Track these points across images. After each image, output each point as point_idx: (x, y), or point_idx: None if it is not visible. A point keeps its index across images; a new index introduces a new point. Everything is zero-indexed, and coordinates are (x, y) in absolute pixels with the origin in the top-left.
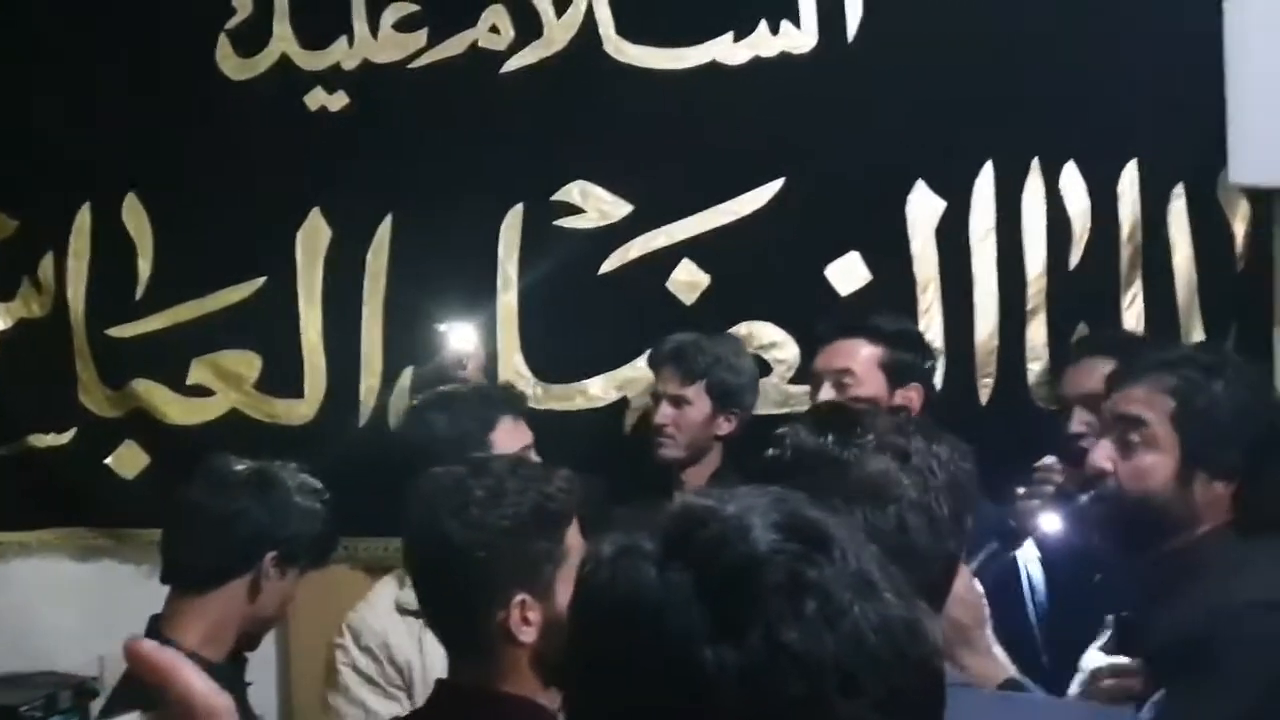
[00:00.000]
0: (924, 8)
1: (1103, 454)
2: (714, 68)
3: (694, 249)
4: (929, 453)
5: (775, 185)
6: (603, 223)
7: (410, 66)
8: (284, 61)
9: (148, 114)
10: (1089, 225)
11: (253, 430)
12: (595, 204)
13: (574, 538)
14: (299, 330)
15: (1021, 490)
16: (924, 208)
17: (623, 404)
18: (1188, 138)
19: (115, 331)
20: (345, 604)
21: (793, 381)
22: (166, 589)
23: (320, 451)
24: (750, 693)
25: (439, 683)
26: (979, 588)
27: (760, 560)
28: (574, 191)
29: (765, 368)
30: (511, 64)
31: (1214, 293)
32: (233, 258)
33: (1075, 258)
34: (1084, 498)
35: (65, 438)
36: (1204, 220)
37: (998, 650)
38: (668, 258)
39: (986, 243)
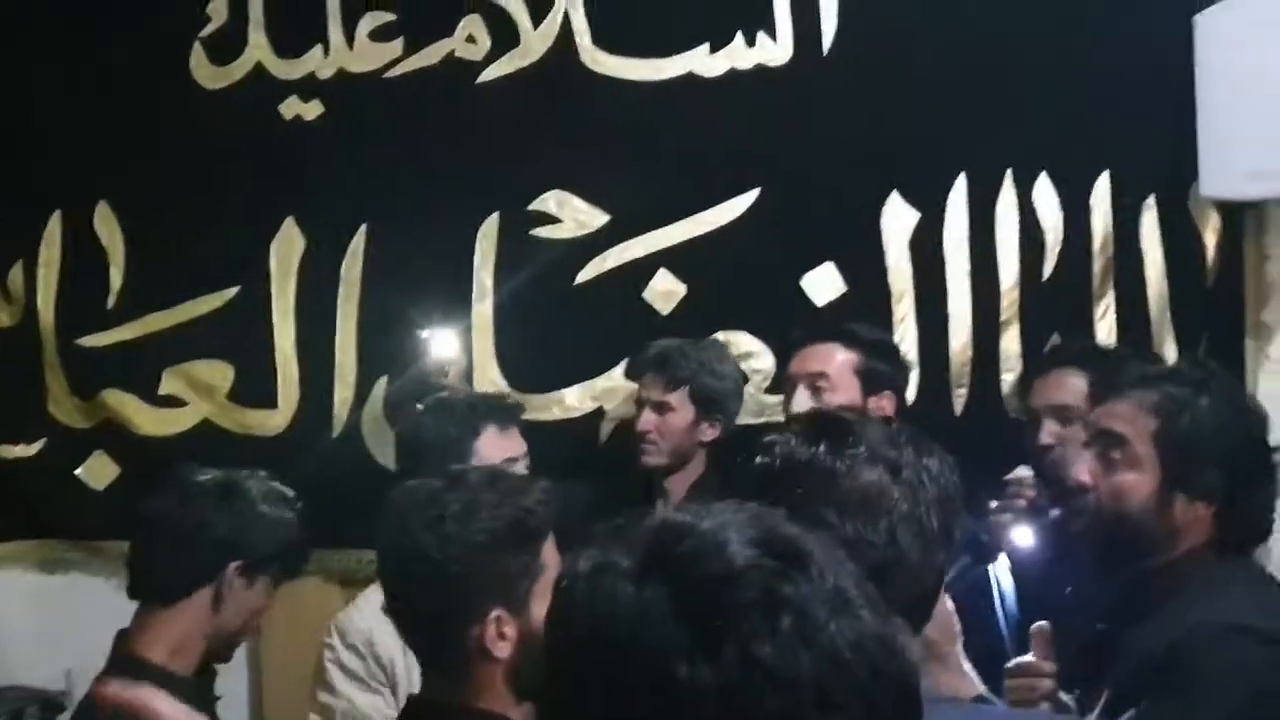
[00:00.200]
0: (898, 21)
1: (1083, 469)
2: (690, 79)
3: (670, 259)
4: (920, 465)
5: (751, 196)
6: (579, 232)
7: (386, 76)
8: (259, 70)
9: (120, 122)
10: (1062, 237)
11: (225, 441)
12: (571, 214)
13: (550, 552)
14: (272, 340)
15: (994, 504)
16: (898, 219)
17: (599, 414)
18: (1159, 151)
19: (86, 341)
20: (318, 616)
21: (769, 391)
22: (136, 603)
23: (293, 462)
24: (726, 710)
25: (410, 699)
26: (950, 604)
27: (736, 576)
28: (550, 201)
29: (741, 377)
30: (488, 74)
31: (1185, 304)
32: (206, 267)
33: (1048, 269)
34: (1055, 512)
35: (34, 449)
36: (1176, 232)
37: (968, 667)
38: (644, 268)
39: (960, 254)
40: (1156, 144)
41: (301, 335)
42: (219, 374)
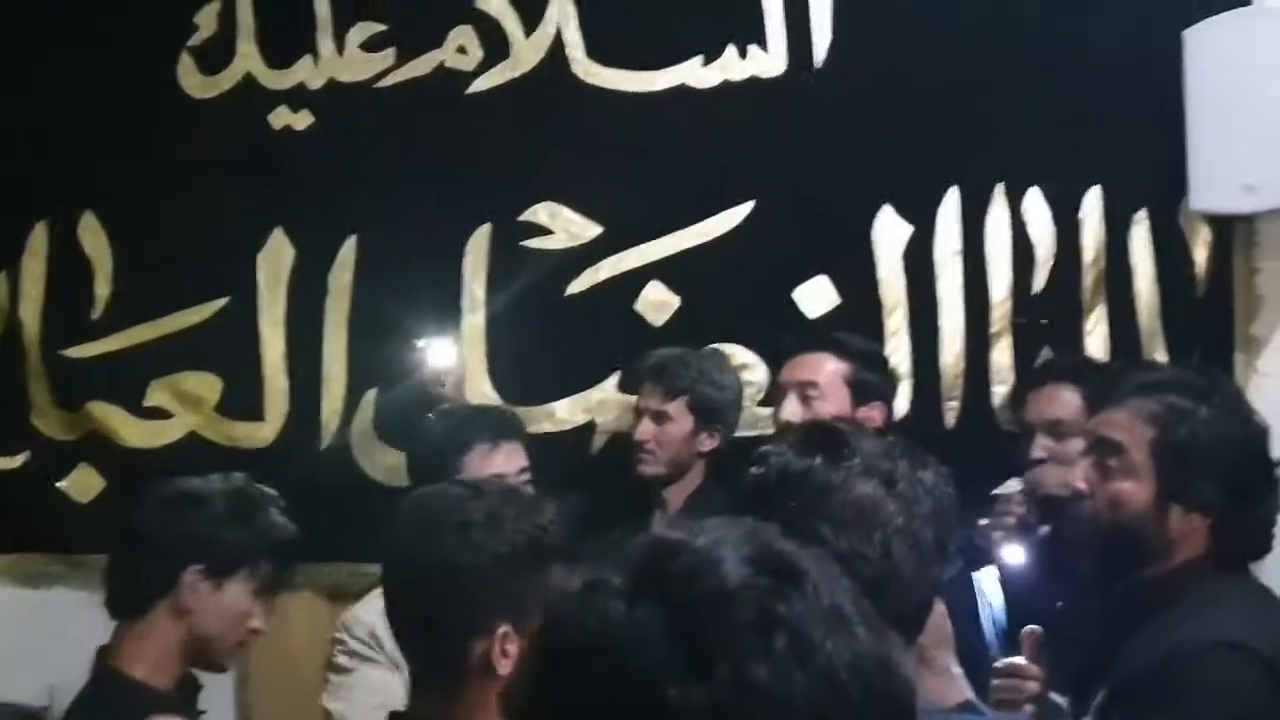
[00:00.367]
0: (890, 34)
1: (1079, 475)
2: (683, 90)
3: (663, 270)
4: (915, 478)
5: (745, 208)
6: (571, 244)
7: (376, 86)
8: (248, 80)
9: (107, 132)
10: (1053, 250)
11: (212, 454)
12: (563, 225)
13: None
14: (260, 352)
15: (983, 522)
16: (891, 232)
17: (591, 426)
18: (1150, 165)
19: (71, 353)
20: (307, 631)
21: (762, 404)
22: None
23: (281, 475)
24: None
25: (392, 715)
26: (942, 608)
27: (730, 595)
28: (542, 212)
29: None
30: (479, 84)
31: (1176, 317)
32: (193, 278)
33: (1039, 282)
34: (1044, 529)
35: (17, 461)
36: (1166, 246)
37: (956, 670)
38: (636, 279)
39: (952, 267)
40: (1147, 158)
41: (290, 347)
42: (206, 386)
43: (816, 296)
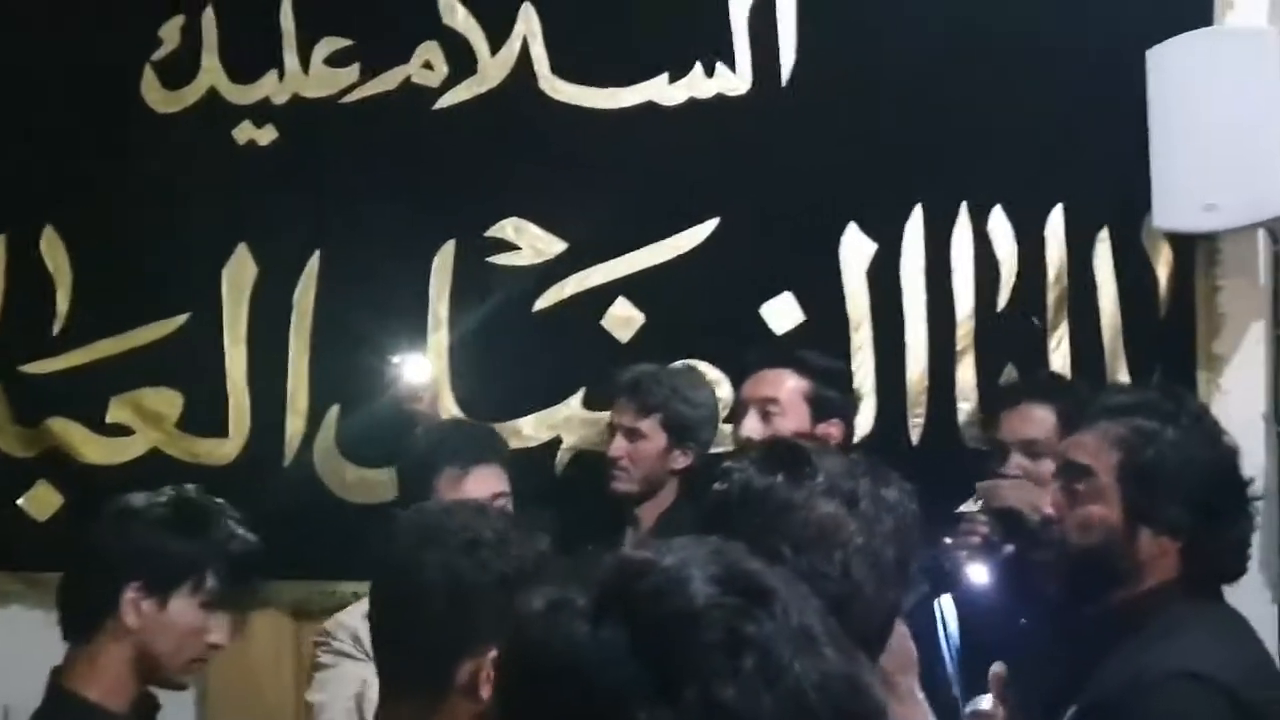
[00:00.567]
0: (856, 53)
1: (1049, 500)
2: (650, 107)
3: (629, 287)
4: (877, 497)
5: (711, 224)
6: (537, 260)
7: (342, 101)
8: (212, 94)
9: (69, 145)
10: (1016, 268)
11: (174, 471)
12: (529, 241)
13: None
14: (223, 368)
15: (948, 540)
16: (856, 249)
17: (556, 443)
18: (1112, 183)
19: (30, 368)
20: (270, 650)
21: (729, 420)
22: None
23: (244, 492)
24: None
25: None
26: (906, 632)
27: (697, 615)
28: (508, 228)
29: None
30: (445, 100)
31: (1139, 335)
32: (155, 293)
33: (1003, 299)
34: (1009, 548)
35: None
36: (1129, 264)
37: (920, 696)
38: (602, 295)
39: (917, 284)
40: (1109, 176)
41: (253, 363)
42: (168, 402)
43: (782, 313)
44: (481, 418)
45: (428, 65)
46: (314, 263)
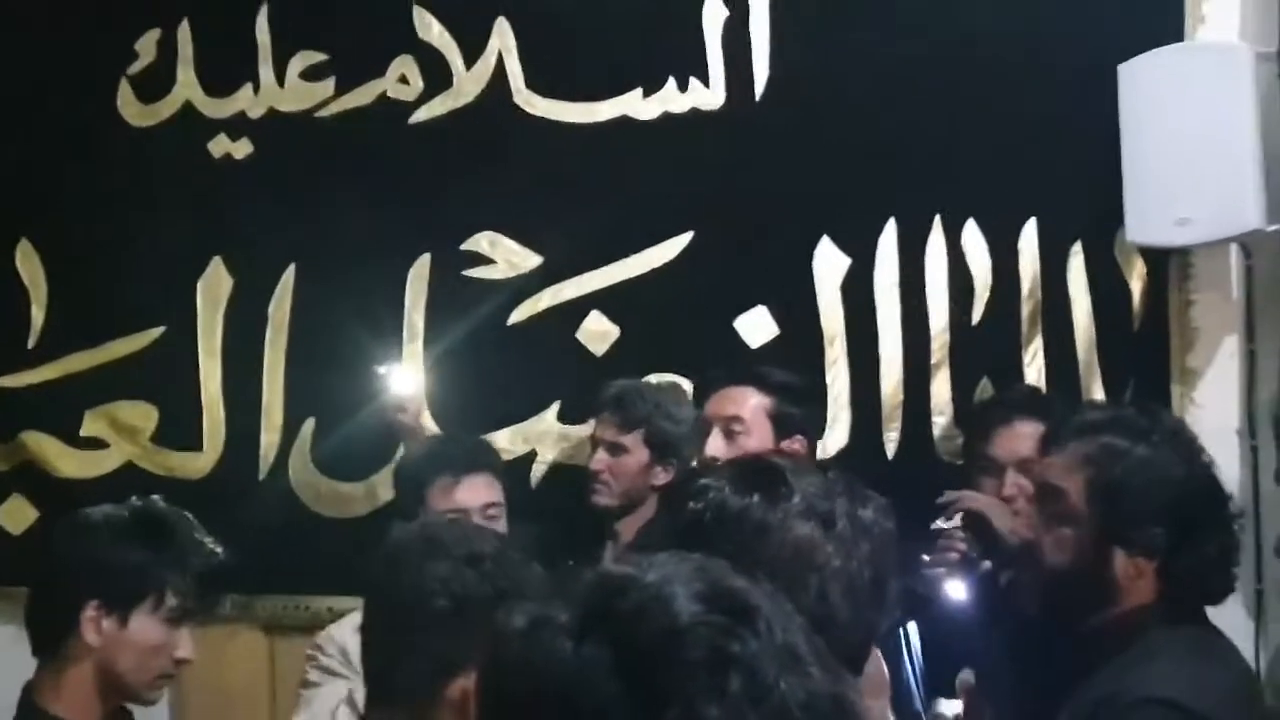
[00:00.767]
0: (829, 68)
1: (1024, 522)
2: (624, 122)
3: (603, 300)
4: (855, 518)
5: (684, 239)
6: (512, 273)
7: (317, 115)
8: (187, 108)
9: (44, 158)
10: (990, 282)
11: (148, 484)
12: (504, 254)
13: None
14: (198, 382)
15: (925, 557)
16: (829, 263)
17: (531, 457)
18: (1085, 197)
19: (5, 381)
20: (244, 666)
21: None
22: None
23: (219, 506)
24: None
25: None
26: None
27: (682, 633)
28: (483, 242)
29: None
30: (420, 114)
31: (1112, 349)
32: (130, 306)
33: (977, 313)
34: (986, 564)
35: None
36: (1102, 278)
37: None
38: (577, 309)
39: (891, 298)
40: (1082, 191)
41: (228, 377)
42: (143, 415)
43: (756, 327)
44: (454, 430)
45: (403, 79)
46: (289, 276)
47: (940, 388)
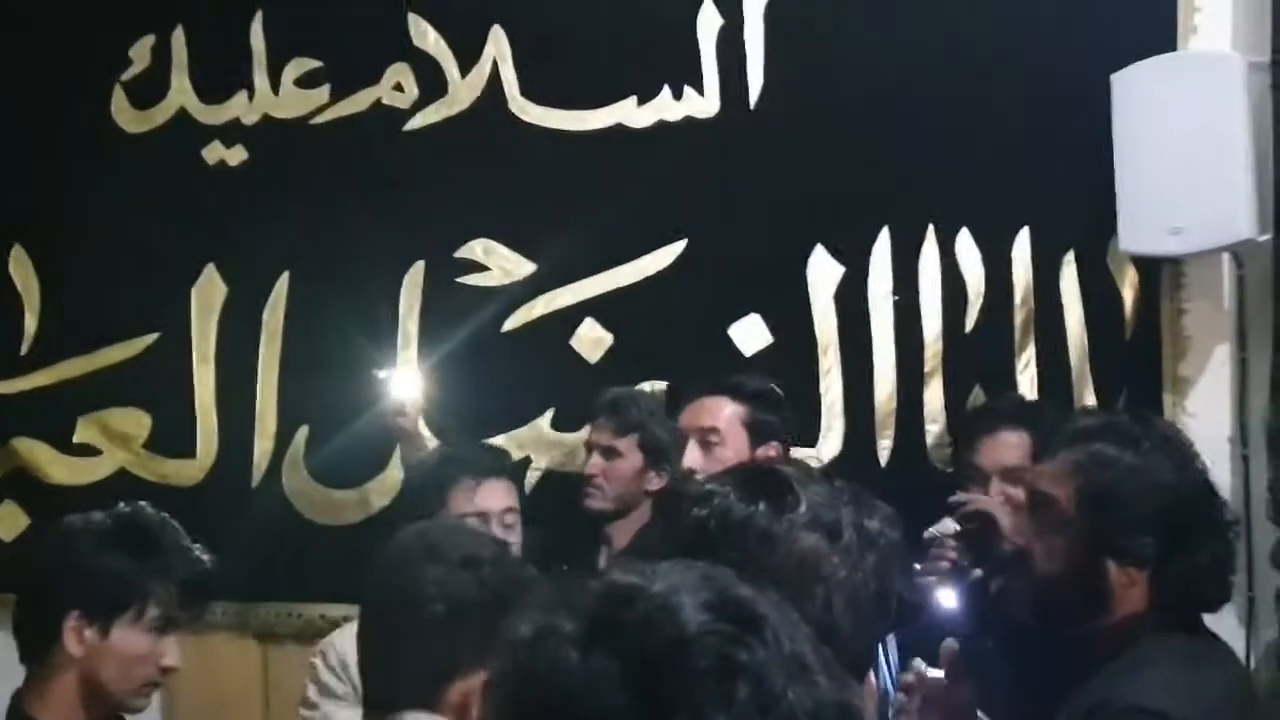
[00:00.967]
0: (823, 77)
1: (1017, 531)
2: (619, 130)
3: (597, 308)
4: (861, 528)
5: (678, 246)
6: (506, 280)
7: (312, 122)
8: (181, 115)
9: (37, 164)
10: (983, 290)
11: (141, 491)
12: (498, 262)
13: None
14: (191, 389)
15: (917, 565)
16: (823, 272)
17: (525, 463)
18: (1078, 207)
19: None
20: (236, 675)
21: None
22: None
23: (211, 513)
24: None
25: None
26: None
27: (689, 642)
28: (477, 249)
29: None
30: (415, 122)
31: (1105, 357)
32: (124, 313)
33: (970, 322)
34: (978, 572)
35: None
36: (1095, 287)
37: None
38: (571, 316)
39: (884, 306)
40: (1075, 200)
41: (221, 384)
42: (136, 422)
43: (750, 335)
44: (451, 438)
45: (398, 87)
46: (283, 283)
47: (933, 395)
